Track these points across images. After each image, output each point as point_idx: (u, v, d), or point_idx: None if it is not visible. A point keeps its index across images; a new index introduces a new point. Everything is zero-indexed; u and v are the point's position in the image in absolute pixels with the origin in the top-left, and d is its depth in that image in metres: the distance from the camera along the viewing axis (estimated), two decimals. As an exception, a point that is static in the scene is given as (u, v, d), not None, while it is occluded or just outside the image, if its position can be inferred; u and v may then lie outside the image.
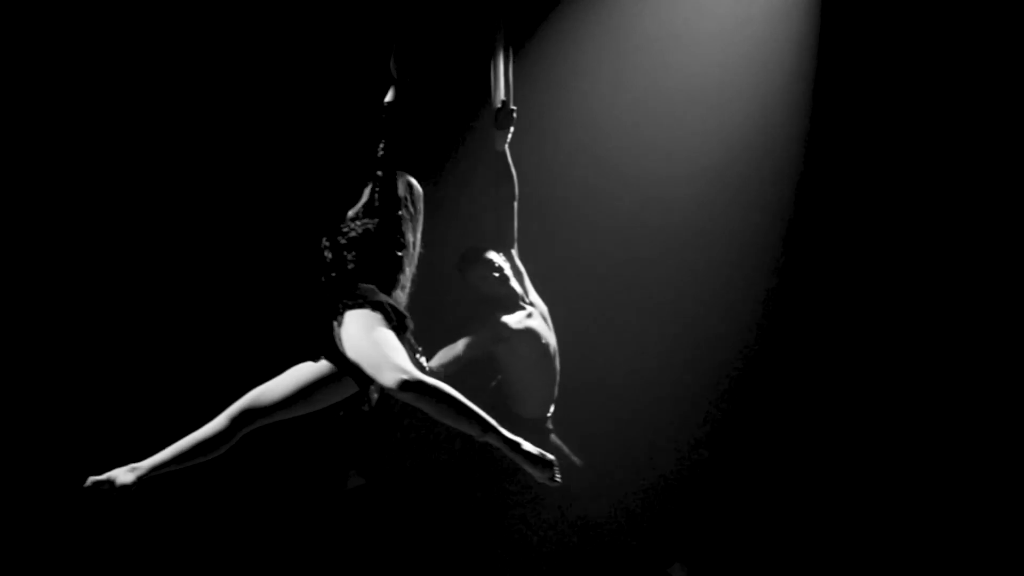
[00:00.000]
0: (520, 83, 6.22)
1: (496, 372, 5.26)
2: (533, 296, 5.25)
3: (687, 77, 6.37)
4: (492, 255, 5.11)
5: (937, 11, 6.11)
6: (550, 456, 3.78)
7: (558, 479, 3.78)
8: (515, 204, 5.15)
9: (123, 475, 3.94)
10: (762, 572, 5.83)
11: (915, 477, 6.00)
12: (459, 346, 4.96)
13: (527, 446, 3.78)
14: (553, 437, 5.30)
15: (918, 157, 6.20)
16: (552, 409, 5.28)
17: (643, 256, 6.34)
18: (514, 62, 5.50)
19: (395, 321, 3.93)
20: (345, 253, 4.07)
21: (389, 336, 3.88)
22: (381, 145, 4.17)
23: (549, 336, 5.20)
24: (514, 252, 5.20)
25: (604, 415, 6.09)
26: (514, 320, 5.10)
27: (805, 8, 6.27)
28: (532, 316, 5.16)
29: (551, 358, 5.20)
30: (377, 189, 4.15)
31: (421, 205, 4.25)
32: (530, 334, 5.12)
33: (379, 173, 4.15)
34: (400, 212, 4.16)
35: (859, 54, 6.23)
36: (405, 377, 3.69)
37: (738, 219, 6.38)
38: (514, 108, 5.07)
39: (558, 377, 5.24)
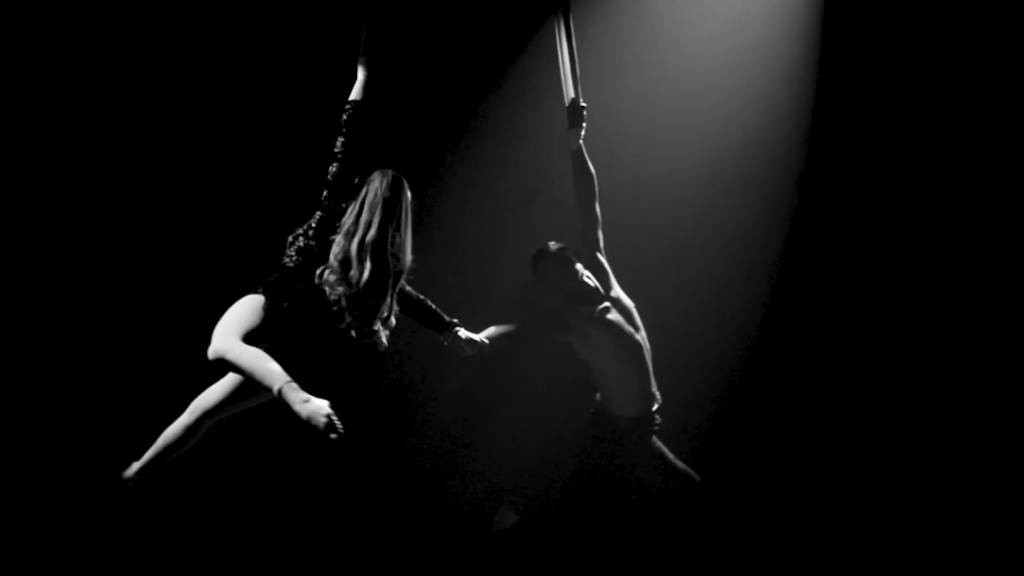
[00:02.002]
0: (521, 84, 6.29)
1: (594, 384, 5.31)
2: (617, 292, 5.27)
3: (688, 77, 6.38)
4: (562, 250, 5.14)
5: (939, 10, 6.12)
6: (325, 412, 3.86)
7: (338, 428, 3.84)
8: (596, 203, 5.18)
9: (128, 471, 4.44)
10: (765, 570, 5.84)
11: (918, 477, 6.02)
12: (516, 322, 5.06)
13: (314, 405, 3.86)
14: (654, 439, 5.30)
15: (920, 157, 6.21)
16: (656, 407, 5.28)
17: (643, 256, 6.35)
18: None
19: (274, 303, 4.13)
20: (288, 249, 4.27)
21: (237, 316, 4.11)
22: (340, 141, 4.26)
23: (632, 331, 5.20)
24: (598, 252, 5.23)
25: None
26: (586, 311, 5.13)
27: (807, 8, 6.28)
28: (610, 311, 5.17)
29: (636, 353, 5.19)
30: (327, 184, 4.28)
31: (401, 198, 4.28)
32: (606, 325, 5.14)
33: (331, 169, 4.24)
34: (344, 205, 4.25)
35: (861, 53, 6.24)
36: (211, 349, 4.02)
37: (739, 219, 6.39)
38: (584, 105, 5.10)
39: (651, 374, 5.25)
